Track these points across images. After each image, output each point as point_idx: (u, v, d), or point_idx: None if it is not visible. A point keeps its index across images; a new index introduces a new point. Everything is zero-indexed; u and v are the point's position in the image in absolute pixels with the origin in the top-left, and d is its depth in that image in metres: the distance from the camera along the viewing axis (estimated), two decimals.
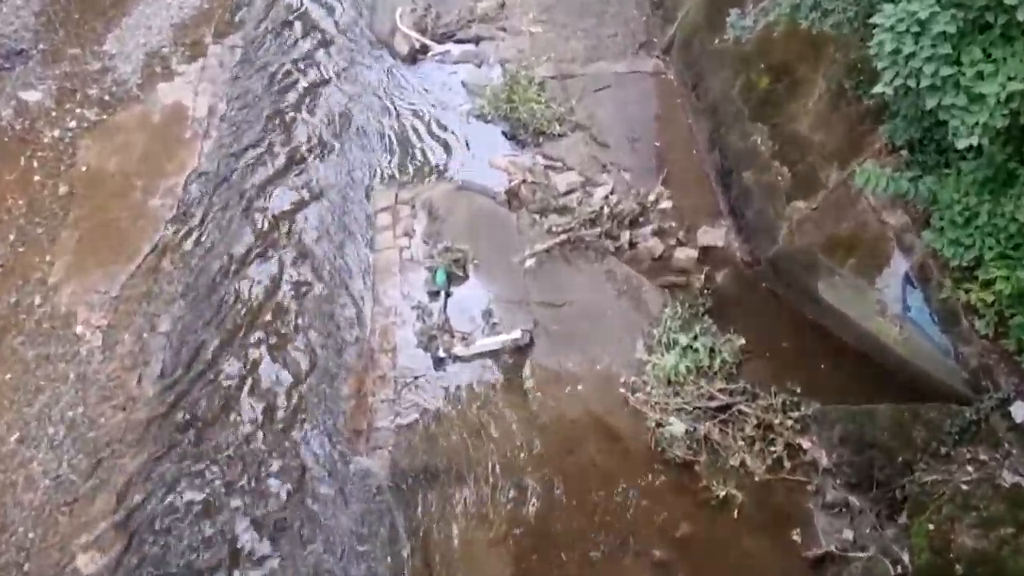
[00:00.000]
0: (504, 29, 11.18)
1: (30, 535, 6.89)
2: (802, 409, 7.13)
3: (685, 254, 8.55)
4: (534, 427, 7.42)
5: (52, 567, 6.73)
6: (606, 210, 8.80)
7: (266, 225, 9.17)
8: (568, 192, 9.21)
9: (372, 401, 7.69)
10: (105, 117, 10.25)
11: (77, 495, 7.07)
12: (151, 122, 10.22)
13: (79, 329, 8.17)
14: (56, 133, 10.00)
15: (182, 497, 7.10)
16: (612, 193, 9.11)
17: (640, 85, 10.39)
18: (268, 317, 8.37)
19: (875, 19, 5.33)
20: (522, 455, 7.24)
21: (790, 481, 6.90)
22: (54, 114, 10.21)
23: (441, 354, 7.99)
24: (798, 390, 7.28)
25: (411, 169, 9.84)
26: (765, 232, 8.22)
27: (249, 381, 7.88)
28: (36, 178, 9.50)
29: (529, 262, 8.58)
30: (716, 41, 9.31)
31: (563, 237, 8.64)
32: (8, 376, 7.79)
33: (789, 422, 7.09)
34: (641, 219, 8.88)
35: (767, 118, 8.45)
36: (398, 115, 10.44)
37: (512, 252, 8.66)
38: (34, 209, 9.17)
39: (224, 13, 11.75)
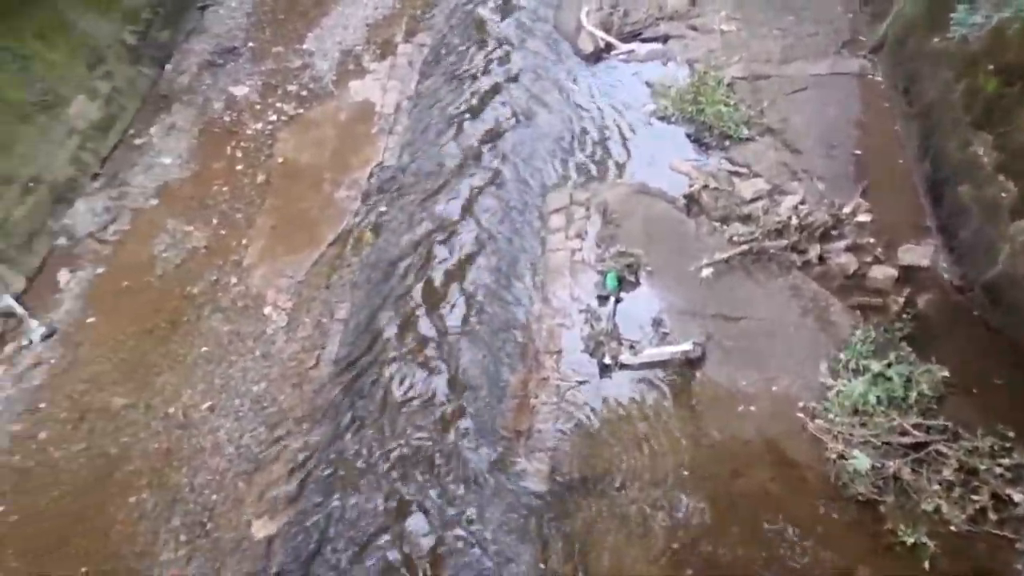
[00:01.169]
0: (694, 27, 11.06)
1: (213, 496, 7.68)
2: (1015, 456, 6.50)
3: (883, 273, 8.06)
4: (700, 444, 7.29)
5: (230, 528, 7.46)
6: (795, 221, 8.48)
7: (442, 220, 9.65)
8: (754, 200, 8.96)
9: (534, 402, 7.87)
10: (301, 111, 11.22)
11: (256, 464, 7.79)
12: (342, 117, 11.07)
13: (267, 310, 8.99)
14: (258, 126, 11.08)
15: (345, 477, 7.63)
16: (803, 203, 8.76)
17: (842, 87, 9.91)
18: (439, 308, 8.80)
19: None
20: (686, 472, 7.15)
21: (995, 536, 6.31)
22: (258, 107, 11.32)
23: (607, 360, 8.03)
24: (1011, 434, 6.64)
25: (588, 170, 9.96)
26: (982, 253, 7.57)
27: (416, 370, 8.33)
28: (239, 167, 10.57)
29: (706, 271, 8.44)
30: (936, 40, 8.69)
31: (745, 247, 8.43)
32: (205, 349, 8.72)
33: (998, 469, 6.49)
34: (834, 232, 8.47)
35: (993, 126, 7.78)
36: (578, 114, 10.60)
37: (688, 260, 8.56)
38: (235, 195, 10.21)
39: (415, 12, 12.53)
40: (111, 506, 7.59)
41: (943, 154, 8.34)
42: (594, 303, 8.58)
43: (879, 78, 9.84)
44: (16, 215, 9.50)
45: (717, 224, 8.86)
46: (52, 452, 7.98)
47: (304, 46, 12.13)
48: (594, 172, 9.91)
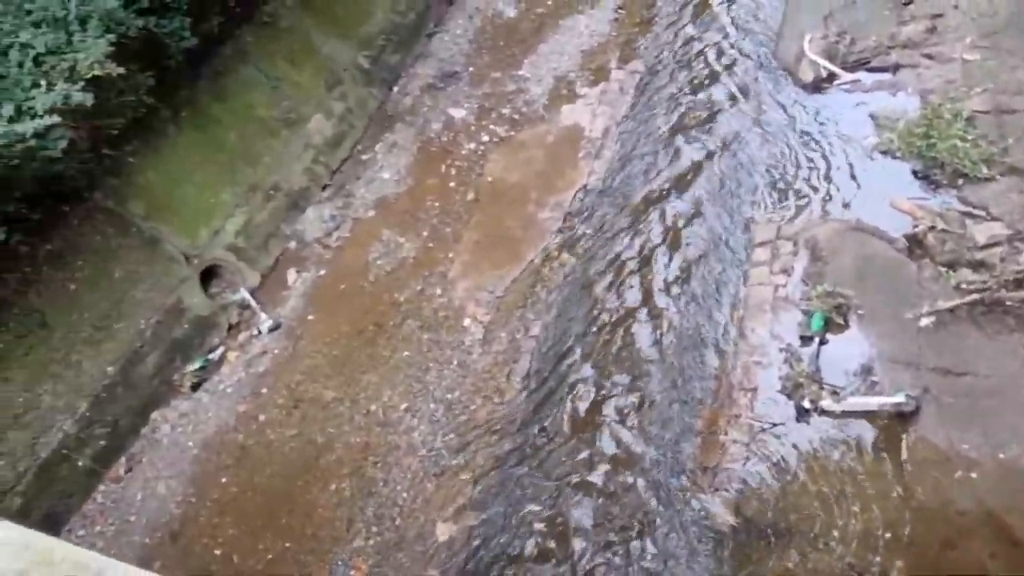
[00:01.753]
0: (930, 56, 10.37)
1: (404, 495, 8.22)
2: None
3: None
4: (907, 507, 6.79)
5: (416, 527, 7.95)
6: None
7: (641, 246, 9.73)
8: (989, 245, 8.23)
9: (724, 440, 7.72)
10: (512, 134, 11.79)
11: (444, 468, 8.25)
12: (550, 140, 11.50)
13: (466, 322, 9.51)
14: (472, 146, 11.77)
15: (526, 491, 7.88)
16: None
17: None
18: (631, 331, 8.89)
19: None
20: (887, 535, 6.68)
21: None
22: (472, 129, 12.03)
23: (806, 405, 7.71)
24: None
25: (799, 203, 9.65)
26: None
27: (603, 391, 8.45)
28: (451, 184, 11.28)
29: (926, 320, 7.87)
30: None
31: (975, 297, 7.76)
32: (406, 353, 9.38)
33: None
34: None
35: None
36: (793, 144, 10.31)
37: (906, 306, 8.02)
38: (446, 211, 10.90)
39: (630, 40, 12.76)
40: (314, 490, 8.36)
41: None
42: (796, 343, 8.27)
43: None
44: (258, 219, 10.75)
45: (942, 269, 8.22)
46: (268, 434, 8.93)
47: (520, 72, 12.74)
48: (805, 206, 9.56)
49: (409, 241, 10.65)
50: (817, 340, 8.17)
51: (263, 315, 10.06)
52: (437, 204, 11.07)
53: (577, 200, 10.60)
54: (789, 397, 7.88)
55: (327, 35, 12.44)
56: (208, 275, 10.17)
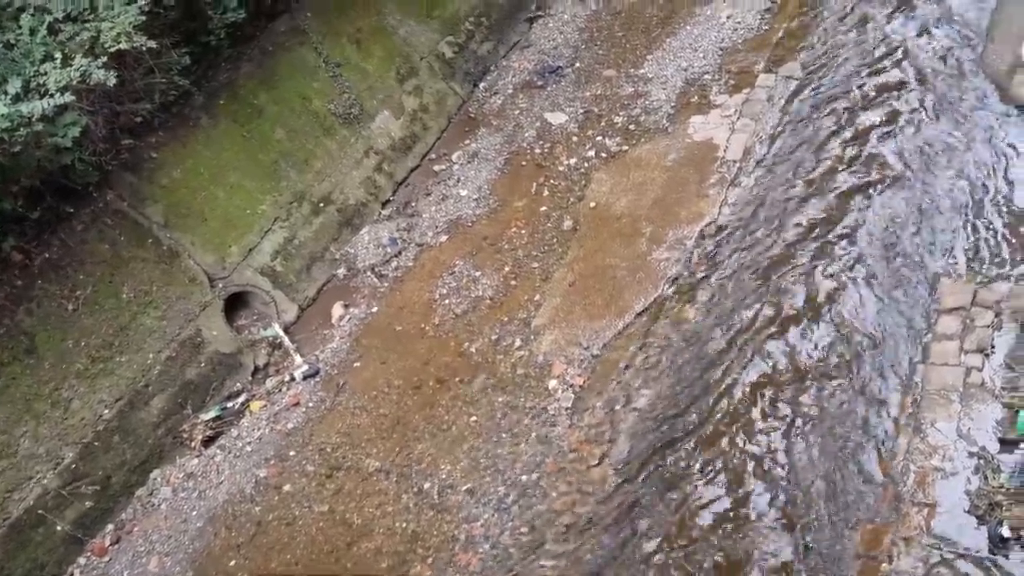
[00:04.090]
0: None
1: None
2: None
3: None
4: None
5: None
6: None
7: (785, 305, 9.40)
8: None
9: (888, 569, 7.29)
10: (625, 148, 11.68)
11: (514, 572, 8.00)
12: (673, 159, 11.34)
13: (552, 384, 9.33)
14: (572, 161, 11.70)
15: None
16: None
17: None
18: (764, 418, 8.53)
19: None
20: None
21: None
22: (575, 140, 11.98)
23: (1005, 532, 7.23)
24: None
25: (1003, 261, 9.18)
26: None
27: (722, 496, 8.10)
28: (543, 208, 11.22)
29: None
30: None
31: None
32: (473, 419, 9.24)
33: None
34: None
35: None
36: (998, 183, 9.89)
37: None
38: (534, 241, 10.83)
39: (787, 36, 12.54)
40: None
41: None
42: (993, 447, 7.84)
43: None
44: (301, 236, 10.89)
45: None
46: (293, 508, 8.88)
47: (640, 70, 12.66)
48: (1012, 265, 9.08)
49: (486, 277, 10.58)
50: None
51: (298, 358, 10.11)
52: (524, 232, 11.00)
53: (705, 238, 10.32)
54: (981, 520, 7.42)
55: (404, 14, 12.68)
56: (235, 303, 10.32)
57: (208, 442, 9.47)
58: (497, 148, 12.24)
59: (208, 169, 10.38)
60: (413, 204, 11.74)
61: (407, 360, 9.93)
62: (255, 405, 9.81)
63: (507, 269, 10.65)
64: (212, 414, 9.61)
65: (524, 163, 11.92)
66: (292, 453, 9.32)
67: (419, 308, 10.46)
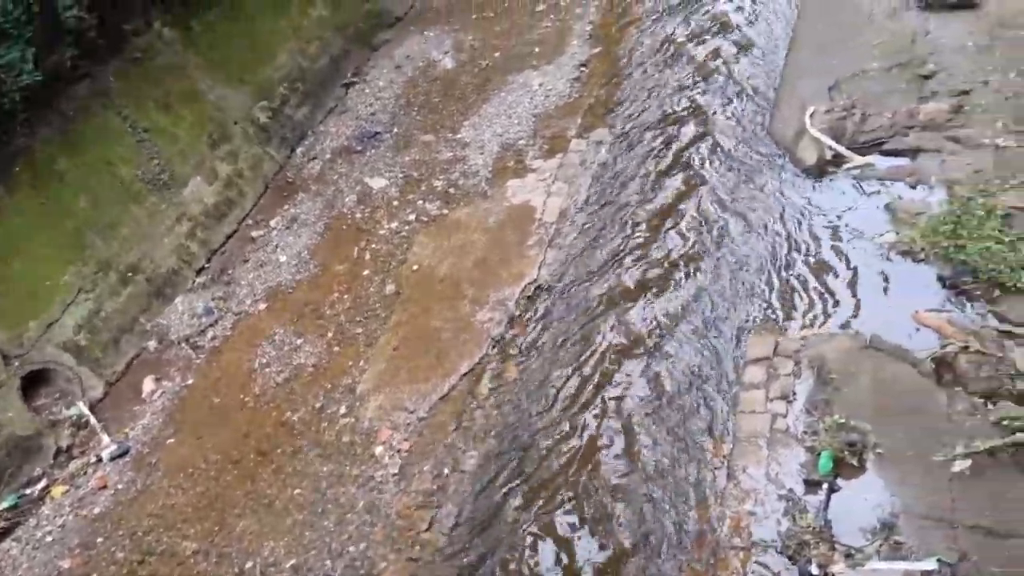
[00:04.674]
0: (956, 140, 10.83)
1: None
2: None
3: None
4: None
5: None
6: None
7: (606, 362, 9.64)
8: None
9: None
10: (446, 212, 11.80)
11: None
12: (493, 222, 11.53)
13: (378, 450, 9.21)
14: (393, 225, 11.72)
15: None
16: None
17: None
18: (591, 473, 8.67)
19: None
20: None
21: None
22: (396, 204, 12.02)
23: (813, 570, 7.54)
24: None
25: (800, 313, 9.74)
26: None
27: (551, 554, 8.15)
28: (365, 272, 11.15)
29: (961, 464, 7.88)
30: None
31: (1020, 437, 7.83)
32: (297, 491, 8.98)
33: None
34: None
35: None
36: (792, 240, 10.49)
37: (935, 445, 8.04)
38: (357, 306, 10.73)
39: (596, 103, 13.07)
40: None
41: None
42: (799, 489, 8.18)
43: None
44: (108, 308, 10.39)
45: (979, 401, 8.32)
46: None
47: (458, 135, 12.88)
48: (808, 316, 9.65)
49: (309, 344, 10.38)
50: (826, 486, 8.08)
51: (105, 437, 9.59)
52: (347, 297, 10.89)
53: (526, 298, 10.50)
54: (792, 559, 7.71)
55: (215, 79, 12.44)
56: (36, 381, 9.69)
57: (2, 535, 8.78)
58: (317, 213, 12.13)
59: (3, 240, 9.76)
60: (230, 271, 11.43)
61: (226, 433, 9.57)
62: (57, 491, 9.22)
63: (330, 335, 10.50)
64: (6, 504, 8.95)
65: (345, 228, 11.84)
66: (100, 540, 8.76)
67: (238, 379, 10.13)
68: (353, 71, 14.25)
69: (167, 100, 11.83)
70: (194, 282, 11.28)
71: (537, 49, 14.37)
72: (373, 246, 11.51)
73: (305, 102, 13.46)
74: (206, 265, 11.50)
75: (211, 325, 10.77)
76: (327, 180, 12.54)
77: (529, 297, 10.59)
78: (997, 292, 9.19)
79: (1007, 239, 9.39)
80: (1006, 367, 8.52)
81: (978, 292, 9.30)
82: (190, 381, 10.23)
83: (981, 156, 10.51)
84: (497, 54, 14.37)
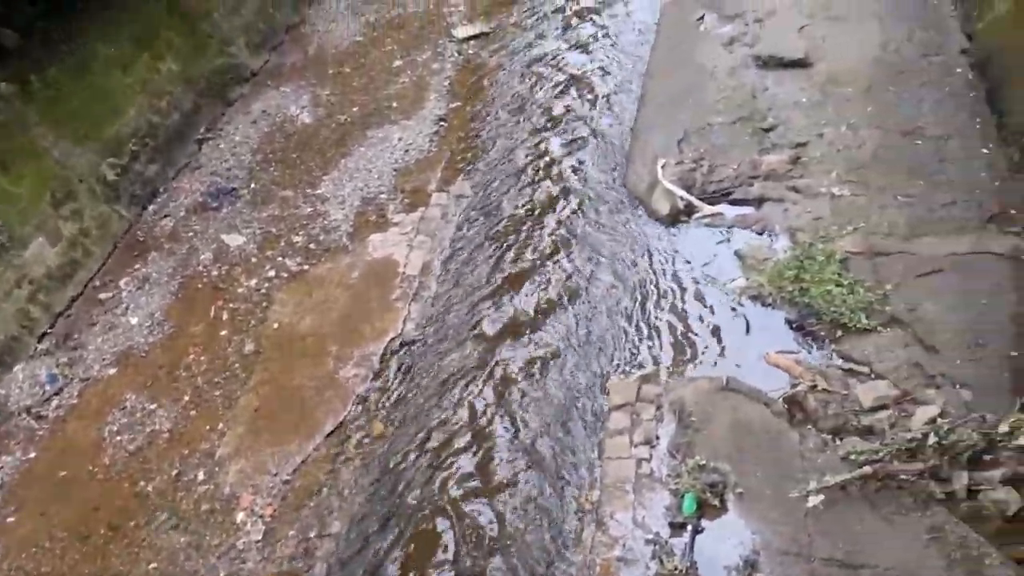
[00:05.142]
0: (797, 189, 11.41)
1: None
2: None
3: None
4: None
5: None
6: (932, 439, 8.28)
7: (471, 414, 9.63)
8: (876, 408, 8.83)
9: None
10: (307, 268, 11.62)
11: None
12: (355, 277, 11.42)
13: (240, 516, 8.88)
14: (252, 283, 11.45)
15: None
16: (942, 416, 8.60)
17: (989, 271, 9.98)
18: (460, 533, 8.59)
19: None
20: None
21: None
22: (254, 261, 11.75)
23: None
24: None
25: (660, 359, 9.98)
26: None
27: None
28: (223, 332, 10.83)
29: (814, 499, 8.18)
30: None
31: (867, 470, 8.20)
32: (153, 565, 8.56)
33: None
34: (987, 457, 8.22)
35: None
36: (648, 288, 10.78)
37: (790, 482, 8.34)
38: (215, 367, 10.39)
39: (455, 157, 13.20)
40: None
41: None
42: (665, 532, 8.32)
43: None
44: None
45: (828, 437, 8.70)
46: None
47: (318, 191, 12.76)
48: (667, 361, 9.91)
49: (163, 409, 9.98)
50: (691, 527, 8.24)
51: None
52: (203, 359, 10.54)
53: (390, 354, 10.42)
54: None
55: (59, 135, 11.95)
56: None
57: None
58: (170, 272, 11.74)
59: None
60: (76, 336, 10.90)
61: (73, 508, 9.06)
62: None
63: (186, 399, 10.13)
64: None
65: (200, 287, 11.50)
66: None
67: (86, 449, 9.63)
68: (207, 126, 13.94)
69: (4, 157, 11.26)
70: (36, 348, 10.70)
71: (396, 104, 14.43)
72: (231, 305, 11.21)
73: (156, 158, 13.06)
74: (49, 330, 10.94)
75: (56, 393, 10.21)
76: (181, 238, 12.16)
77: (394, 352, 10.49)
78: (840, 332, 9.67)
79: (846, 282, 9.92)
80: (851, 403, 8.95)
81: (823, 333, 9.76)
82: (32, 454, 9.66)
83: (819, 204, 11.10)
84: (356, 109, 14.34)
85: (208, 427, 9.77)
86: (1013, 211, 10.54)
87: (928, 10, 14.10)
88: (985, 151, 11.37)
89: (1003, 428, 8.33)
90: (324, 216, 12.32)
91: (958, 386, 8.93)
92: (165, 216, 12.53)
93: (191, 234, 12.20)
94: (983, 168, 11.16)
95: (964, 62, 12.78)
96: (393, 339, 10.62)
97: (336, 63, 15.50)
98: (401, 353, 10.49)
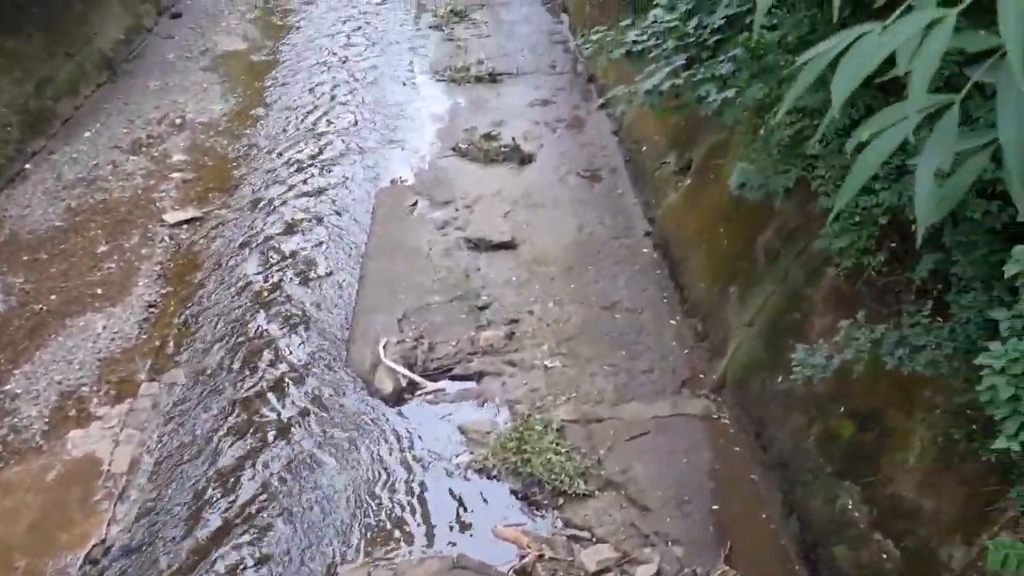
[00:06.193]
0: (513, 363, 11.87)
1: None
2: None
3: None
4: None
5: None
6: None
7: None
8: (600, 572, 9.09)
9: None
10: None
11: None
12: (51, 480, 10.41)
13: None
14: None
15: None
16: (659, 574, 8.97)
17: (687, 432, 10.76)
18: None
19: (981, 360, 5.71)
20: None
21: None
22: None
23: None
24: None
25: (390, 542, 9.77)
26: None
27: None
28: None
29: None
30: (780, 380, 9.83)
31: None
32: None
33: None
34: None
35: (857, 476, 8.62)
36: (375, 469, 10.63)
37: None
38: None
39: (165, 344, 12.55)
40: None
41: (808, 510, 9.01)
42: None
43: (727, 421, 10.81)
44: None
45: None
46: None
47: (6, 387, 11.66)
48: (398, 543, 9.71)
49: None
50: None
51: None
52: None
53: (91, 562, 9.45)
54: None
55: None
56: None
57: None
58: None
59: None
60: None
61: None
62: None
63: None
64: None
65: None
66: None
67: None
68: None
69: None
70: None
71: (100, 291, 13.62)
72: None
73: None
74: None
75: None
76: None
77: (95, 561, 9.51)
78: (561, 499, 9.97)
79: (563, 450, 10.33)
80: (576, 570, 9.14)
81: (546, 501, 10.01)
82: None
83: (534, 376, 11.61)
84: (54, 296, 13.39)
85: None
86: (701, 375, 11.53)
87: (614, 198, 15.60)
88: (673, 322, 12.48)
89: None
90: (14, 414, 11.21)
91: (670, 543, 9.40)
92: None
93: None
94: (673, 337, 12.21)
95: (649, 243, 14.13)
96: (96, 546, 9.66)
97: (31, 249, 14.52)
98: (105, 560, 9.53)
